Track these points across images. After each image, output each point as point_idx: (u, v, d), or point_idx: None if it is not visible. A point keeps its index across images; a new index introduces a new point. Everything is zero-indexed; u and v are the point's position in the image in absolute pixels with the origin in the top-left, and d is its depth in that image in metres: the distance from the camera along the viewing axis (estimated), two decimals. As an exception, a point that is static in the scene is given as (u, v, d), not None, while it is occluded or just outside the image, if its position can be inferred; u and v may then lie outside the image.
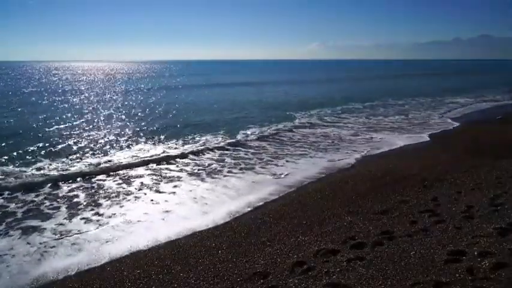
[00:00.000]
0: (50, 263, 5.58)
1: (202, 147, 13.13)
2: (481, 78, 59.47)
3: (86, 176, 9.82)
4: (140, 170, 10.44)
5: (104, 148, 13.37)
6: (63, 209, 7.69)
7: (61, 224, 6.93)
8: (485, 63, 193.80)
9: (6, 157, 11.67)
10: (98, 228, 6.76)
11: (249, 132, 16.28)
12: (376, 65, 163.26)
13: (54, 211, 7.56)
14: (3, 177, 9.69)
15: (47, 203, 7.99)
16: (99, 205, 7.88)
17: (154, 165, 10.95)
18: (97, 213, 7.42)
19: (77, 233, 6.53)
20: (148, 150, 12.88)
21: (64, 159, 11.63)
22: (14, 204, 7.92)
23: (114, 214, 7.38)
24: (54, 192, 8.68)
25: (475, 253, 4.28)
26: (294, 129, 16.92)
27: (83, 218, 7.20)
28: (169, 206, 7.80)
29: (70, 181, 9.41)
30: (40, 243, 6.15)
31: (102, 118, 20.82)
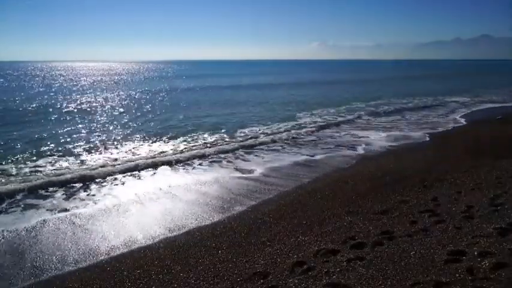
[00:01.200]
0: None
1: (195, 147, 13.32)
2: (481, 79, 59.41)
3: (82, 178, 9.79)
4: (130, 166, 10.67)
5: (110, 146, 13.39)
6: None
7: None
8: (485, 64, 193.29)
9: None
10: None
11: (246, 131, 16.45)
12: (378, 66, 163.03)
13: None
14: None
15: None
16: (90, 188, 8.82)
17: (144, 162, 11.11)
18: (90, 194, 8.54)
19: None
20: (143, 148, 12.98)
21: (61, 161, 11.65)
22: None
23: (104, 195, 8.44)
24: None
25: (475, 253, 4.28)
26: (295, 128, 17.00)
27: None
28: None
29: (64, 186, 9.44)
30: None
31: (111, 118, 20.86)
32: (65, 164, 11.11)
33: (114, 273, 5.14)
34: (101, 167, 10.68)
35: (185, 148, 13.26)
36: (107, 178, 9.73)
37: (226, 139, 14.75)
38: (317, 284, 4.06)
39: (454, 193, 7.06)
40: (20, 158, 11.68)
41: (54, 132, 16.46)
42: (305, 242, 5.46)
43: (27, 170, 10.47)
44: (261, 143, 13.81)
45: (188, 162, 11.36)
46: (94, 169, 10.42)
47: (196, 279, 4.74)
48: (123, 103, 28.81)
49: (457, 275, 3.84)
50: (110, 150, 13.01)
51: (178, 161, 11.32)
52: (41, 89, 41.49)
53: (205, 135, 15.46)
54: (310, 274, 4.33)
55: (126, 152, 12.84)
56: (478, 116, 20.41)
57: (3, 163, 11.11)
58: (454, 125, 17.58)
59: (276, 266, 4.75)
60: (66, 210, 7.67)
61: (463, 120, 18.81)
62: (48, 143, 14.13)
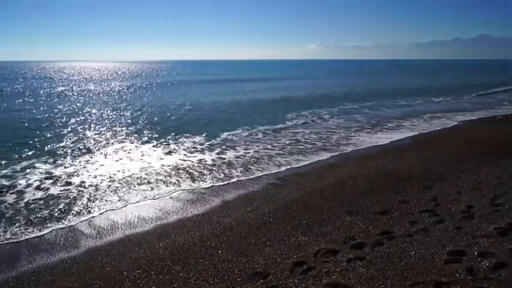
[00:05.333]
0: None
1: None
2: (481, 78, 59.42)
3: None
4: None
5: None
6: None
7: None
8: (485, 63, 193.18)
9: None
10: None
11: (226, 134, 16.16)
12: (379, 66, 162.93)
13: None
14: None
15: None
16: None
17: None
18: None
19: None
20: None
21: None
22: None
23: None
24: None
25: (475, 253, 4.29)
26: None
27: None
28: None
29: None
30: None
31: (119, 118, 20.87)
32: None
33: (114, 273, 5.14)
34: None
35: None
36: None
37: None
38: (317, 284, 4.07)
39: (454, 193, 7.07)
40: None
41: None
42: (305, 242, 5.46)
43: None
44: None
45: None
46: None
47: (196, 279, 4.74)
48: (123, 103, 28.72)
49: (457, 275, 3.85)
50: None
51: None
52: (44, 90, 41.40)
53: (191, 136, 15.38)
54: (310, 274, 4.33)
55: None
56: (478, 115, 20.38)
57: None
58: (455, 124, 17.56)
59: (276, 266, 4.75)
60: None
61: (462, 120, 18.78)
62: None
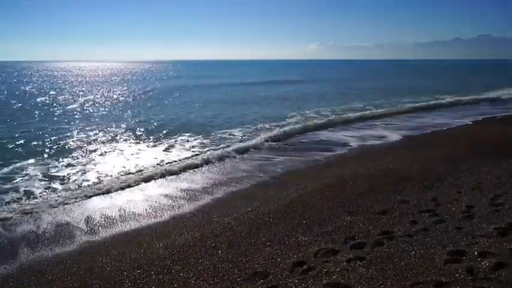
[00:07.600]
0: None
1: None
2: (481, 78, 59.37)
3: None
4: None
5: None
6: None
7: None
8: (485, 63, 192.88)
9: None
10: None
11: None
12: (379, 65, 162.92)
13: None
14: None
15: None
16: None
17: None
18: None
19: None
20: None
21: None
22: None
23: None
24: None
25: (475, 253, 4.29)
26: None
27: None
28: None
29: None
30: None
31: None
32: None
33: (114, 273, 5.14)
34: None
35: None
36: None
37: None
38: (317, 284, 4.07)
39: (454, 193, 7.07)
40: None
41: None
42: (305, 242, 5.46)
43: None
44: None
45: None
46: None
47: (196, 279, 4.74)
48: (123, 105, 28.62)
49: (457, 275, 3.85)
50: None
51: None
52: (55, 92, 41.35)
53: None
54: (310, 274, 4.33)
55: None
56: (478, 115, 20.36)
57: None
58: (455, 124, 17.55)
59: (276, 266, 4.75)
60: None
61: (463, 120, 18.77)
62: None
